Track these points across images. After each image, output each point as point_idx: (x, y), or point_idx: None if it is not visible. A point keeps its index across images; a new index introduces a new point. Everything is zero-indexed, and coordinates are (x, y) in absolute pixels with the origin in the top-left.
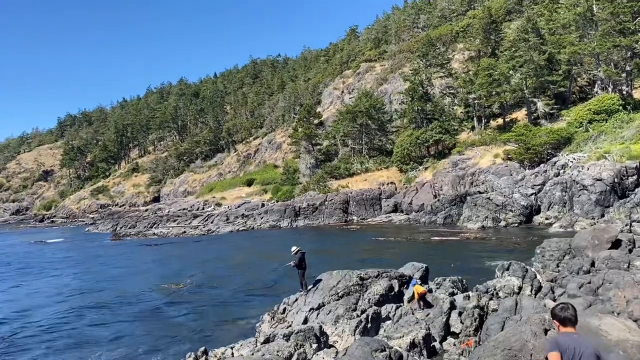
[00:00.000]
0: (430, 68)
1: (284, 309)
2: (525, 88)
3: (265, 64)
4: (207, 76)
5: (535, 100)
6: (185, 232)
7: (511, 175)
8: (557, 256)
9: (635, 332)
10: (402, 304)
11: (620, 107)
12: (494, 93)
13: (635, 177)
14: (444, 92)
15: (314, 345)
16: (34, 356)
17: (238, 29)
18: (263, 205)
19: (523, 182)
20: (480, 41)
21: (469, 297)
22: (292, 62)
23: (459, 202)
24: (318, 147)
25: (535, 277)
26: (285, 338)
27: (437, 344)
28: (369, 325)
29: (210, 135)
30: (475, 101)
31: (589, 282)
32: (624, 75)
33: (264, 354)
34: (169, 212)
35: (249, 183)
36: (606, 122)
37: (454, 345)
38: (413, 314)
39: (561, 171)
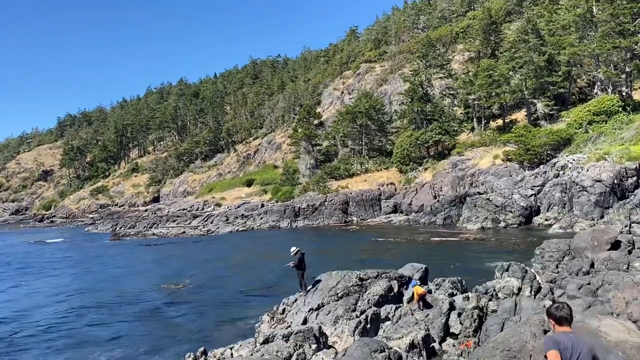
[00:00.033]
0: (430, 69)
1: (284, 310)
2: (525, 89)
3: (265, 64)
4: (207, 76)
5: (535, 101)
6: (184, 232)
7: (511, 176)
8: (556, 257)
9: (635, 333)
10: (401, 305)
11: (620, 109)
12: (493, 94)
13: (634, 178)
14: (444, 93)
15: (313, 346)
16: (33, 356)
17: (238, 29)
18: (263, 205)
19: (523, 183)
20: (480, 42)
21: (468, 298)
22: (292, 62)
23: (459, 203)
24: (318, 147)
25: (535, 278)
26: (284, 338)
27: (436, 345)
28: (368, 325)
29: (210, 135)
30: (475, 102)
31: (589, 283)
32: (623, 76)
33: (263, 355)
34: (168, 212)
35: (249, 183)
36: (606, 124)
37: (454, 346)
38: (412, 314)
39: (561, 172)
